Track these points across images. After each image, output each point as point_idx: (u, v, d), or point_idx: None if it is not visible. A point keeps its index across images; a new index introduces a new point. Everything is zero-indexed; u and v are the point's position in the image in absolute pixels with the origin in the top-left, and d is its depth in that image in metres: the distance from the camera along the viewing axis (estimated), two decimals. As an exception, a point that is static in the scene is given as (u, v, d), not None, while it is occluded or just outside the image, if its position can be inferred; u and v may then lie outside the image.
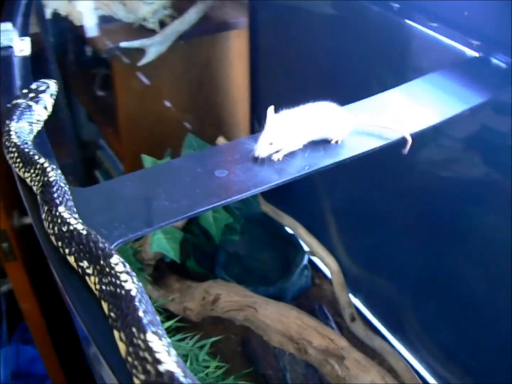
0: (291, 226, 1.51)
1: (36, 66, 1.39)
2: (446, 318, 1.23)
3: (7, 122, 0.64)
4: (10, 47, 0.84)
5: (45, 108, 0.68)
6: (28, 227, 1.43)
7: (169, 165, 0.61)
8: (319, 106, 0.65)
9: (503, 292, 1.03)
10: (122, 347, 0.39)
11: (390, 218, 1.32)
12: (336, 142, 0.65)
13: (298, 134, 0.62)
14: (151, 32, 1.47)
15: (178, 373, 0.35)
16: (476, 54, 0.85)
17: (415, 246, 1.26)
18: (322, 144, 0.64)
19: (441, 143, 1.10)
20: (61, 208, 0.50)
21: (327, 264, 1.45)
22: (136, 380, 0.37)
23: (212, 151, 0.63)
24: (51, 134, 0.69)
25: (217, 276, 1.42)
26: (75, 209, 0.51)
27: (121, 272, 0.43)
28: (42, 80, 0.71)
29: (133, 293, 0.41)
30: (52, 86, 0.71)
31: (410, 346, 1.34)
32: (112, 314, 0.42)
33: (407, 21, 0.97)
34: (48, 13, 1.47)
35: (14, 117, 0.64)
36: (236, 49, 1.61)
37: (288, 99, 0.71)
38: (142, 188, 0.56)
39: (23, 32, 0.91)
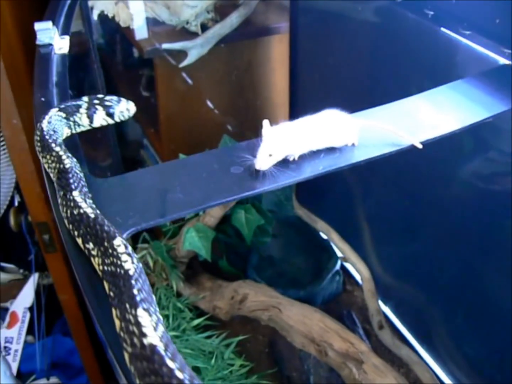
0: (324, 231, 1.52)
1: (80, 65, 1.45)
2: (475, 331, 1.22)
3: (51, 109, 0.64)
4: (50, 44, 0.88)
5: (91, 120, 0.66)
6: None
7: (188, 160, 0.63)
8: (322, 115, 0.66)
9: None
10: (117, 323, 0.42)
11: (423, 227, 1.31)
12: (353, 144, 0.65)
13: (297, 143, 0.62)
14: (193, 35, 1.50)
15: (160, 346, 0.36)
16: (507, 62, 0.85)
17: (447, 257, 1.25)
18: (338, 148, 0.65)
19: (476, 153, 1.09)
20: (75, 193, 0.53)
21: (358, 271, 1.45)
22: (125, 353, 0.39)
23: (231, 148, 0.65)
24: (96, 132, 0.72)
25: (249, 278, 1.43)
26: (89, 195, 0.54)
27: (122, 253, 0.45)
28: (121, 98, 0.68)
29: (131, 272, 0.43)
30: (121, 106, 0.67)
31: (437, 357, 1.33)
32: (111, 293, 0.44)
33: (441, 28, 0.97)
34: (95, 14, 1.52)
35: (60, 106, 0.65)
36: (277, 54, 1.63)
37: (327, 104, 0.72)
38: (159, 181, 0.58)
39: (64, 31, 0.95)
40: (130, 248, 0.46)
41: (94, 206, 0.52)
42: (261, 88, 1.69)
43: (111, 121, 0.66)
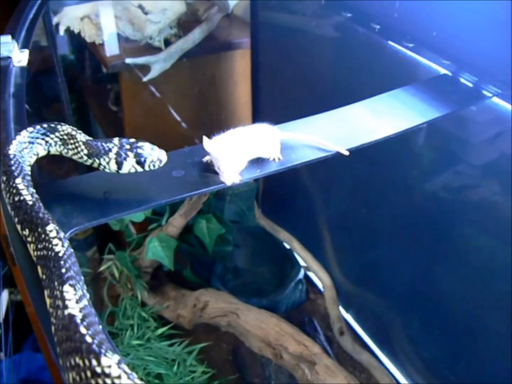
0: (287, 241, 1.55)
1: (44, 79, 1.47)
2: (430, 335, 1.26)
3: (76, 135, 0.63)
4: (9, 57, 0.90)
5: (119, 167, 0.61)
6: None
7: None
8: (252, 127, 0.70)
9: (487, 312, 1.06)
10: (48, 301, 0.45)
11: (382, 237, 1.35)
12: (276, 159, 0.69)
13: (244, 154, 0.66)
14: (156, 50, 1.54)
15: (78, 316, 0.40)
16: (447, 73, 0.89)
17: (405, 266, 1.29)
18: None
19: (432, 164, 1.13)
20: (18, 180, 0.55)
21: (320, 279, 1.48)
22: (52, 326, 0.43)
23: (173, 154, 0.67)
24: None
25: (213, 287, 1.46)
26: (32, 183, 0.56)
27: (54, 238, 0.48)
28: (154, 146, 0.63)
29: (60, 254, 0.46)
30: (154, 155, 0.61)
31: (396, 361, 1.36)
32: (43, 276, 0.47)
33: (388, 41, 1.02)
34: (61, 30, 1.55)
35: (88, 145, 0.62)
36: (240, 68, 1.67)
37: (287, 115, 0.76)
38: (103, 184, 0.61)
39: (24, 45, 0.97)
40: (62, 234, 0.49)
41: (36, 195, 0.54)
42: (225, 101, 1.72)
43: (140, 169, 0.61)
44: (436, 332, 1.24)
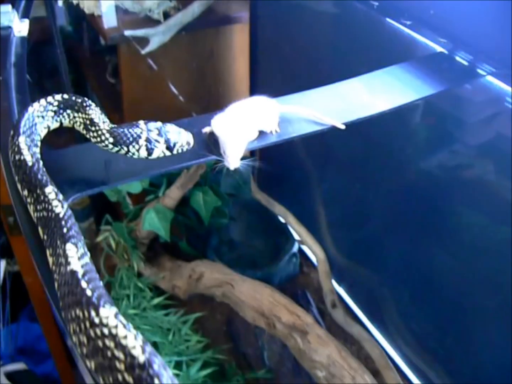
0: (282, 215, 1.57)
1: (43, 49, 1.48)
2: (420, 308, 1.29)
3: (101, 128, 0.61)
4: (10, 27, 0.92)
5: (149, 153, 0.61)
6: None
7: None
8: (249, 102, 0.71)
9: (475, 288, 1.09)
10: (50, 260, 0.47)
11: (375, 213, 1.38)
12: (274, 132, 0.70)
13: (248, 137, 0.68)
14: (155, 23, 1.55)
15: (79, 272, 0.42)
16: (443, 51, 0.91)
17: (397, 241, 1.32)
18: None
19: (424, 143, 1.15)
20: (21, 138, 0.56)
21: (314, 252, 1.50)
22: (55, 283, 0.45)
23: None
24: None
25: (209, 259, 1.48)
26: (38, 144, 0.58)
27: (53, 199, 0.50)
28: (180, 129, 0.63)
29: (60, 215, 0.48)
30: (182, 139, 0.62)
31: (387, 334, 1.40)
32: (45, 237, 0.49)
33: (386, 18, 1.03)
34: (59, 1, 1.56)
35: (114, 133, 0.60)
36: (238, 42, 1.68)
37: (284, 89, 0.78)
38: (105, 153, 0.62)
39: (24, 15, 0.98)
40: (61, 196, 0.51)
41: (38, 155, 0.56)
42: (223, 75, 1.73)
43: (168, 154, 0.61)
44: (425, 306, 1.27)
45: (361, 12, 1.10)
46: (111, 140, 0.60)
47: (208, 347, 1.31)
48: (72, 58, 1.78)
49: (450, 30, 0.90)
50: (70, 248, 0.44)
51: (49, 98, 0.61)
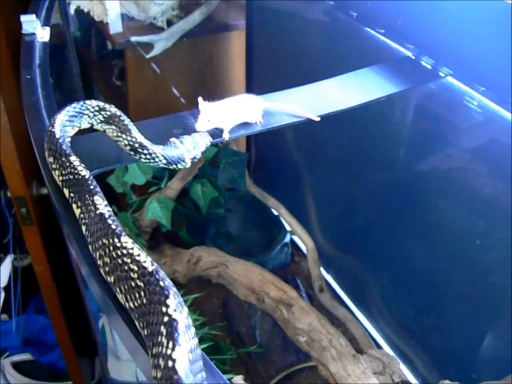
0: (275, 207, 1.69)
1: (58, 53, 1.61)
2: (398, 291, 1.40)
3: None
4: (34, 33, 1.04)
5: (192, 163, 0.73)
6: (45, 197, 1.62)
7: (141, 124, 0.79)
8: (239, 97, 0.84)
9: (451, 275, 1.20)
10: (77, 212, 0.59)
11: (360, 206, 1.50)
12: (258, 122, 0.83)
13: (228, 116, 0.81)
14: (159, 30, 1.68)
15: (106, 214, 0.55)
16: (410, 55, 1.04)
17: (380, 232, 1.44)
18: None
19: (412, 138, 1.27)
20: (58, 116, 0.67)
21: (304, 242, 1.62)
22: (83, 227, 0.57)
23: (174, 116, 0.83)
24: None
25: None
26: (74, 124, 0.70)
27: (78, 165, 0.62)
28: (200, 134, 0.77)
29: (86, 176, 0.61)
30: (206, 144, 0.76)
31: (370, 315, 1.51)
32: (71, 194, 0.61)
33: (364, 28, 1.16)
34: (72, 9, 1.69)
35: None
36: (236, 48, 1.81)
37: (277, 91, 0.90)
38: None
39: (45, 23, 1.11)
40: (84, 166, 0.63)
41: (67, 132, 0.68)
42: (221, 79, 1.86)
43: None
44: (404, 290, 1.38)
45: (343, 21, 1.23)
46: (164, 162, 0.70)
47: (205, 325, 1.43)
48: (80, 61, 1.90)
49: (415, 38, 1.03)
50: (98, 199, 0.56)
51: (89, 102, 0.71)
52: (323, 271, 1.60)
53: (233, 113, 0.80)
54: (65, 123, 0.68)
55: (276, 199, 1.68)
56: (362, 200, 1.47)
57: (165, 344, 0.41)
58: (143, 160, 0.70)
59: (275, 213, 1.71)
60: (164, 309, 0.44)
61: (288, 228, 1.69)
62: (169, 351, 0.41)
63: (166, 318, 0.43)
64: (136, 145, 0.69)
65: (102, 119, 0.71)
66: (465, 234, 1.14)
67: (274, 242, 1.67)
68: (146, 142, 0.69)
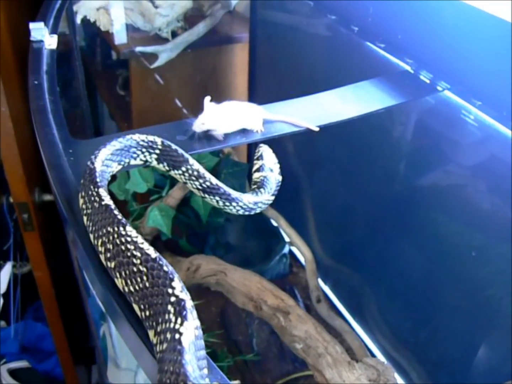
0: (274, 218, 1.70)
1: (64, 61, 1.63)
2: (394, 303, 1.42)
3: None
4: (42, 41, 1.07)
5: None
6: (47, 204, 1.64)
7: (145, 130, 0.81)
8: (242, 103, 0.86)
9: (447, 289, 1.22)
10: (80, 202, 0.61)
11: (358, 219, 1.51)
12: (259, 131, 0.85)
13: (225, 121, 0.83)
14: (164, 40, 1.71)
15: (111, 205, 0.56)
16: (409, 69, 1.06)
17: (377, 244, 1.45)
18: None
19: (413, 155, 1.29)
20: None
21: (302, 253, 1.63)
22: (84, 217, 0.59)
23: (178, 123, 0.85)
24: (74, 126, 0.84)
25: (206, 256, 1.61)
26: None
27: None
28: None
29: (97, 169, 0.62)
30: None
31: (366, 327, 1.53)
32: (82, 180, 0.62)
33: (365, 42, 1.18)
34: (78, 18, 1.71)
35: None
36: (239, 60, 1.84)
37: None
38: (122, 142, 0.77)
39: (53, 31, 1.14)
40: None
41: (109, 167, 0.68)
42: (224, 89, 1.89)
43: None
44: (400, 303, 1.40)
45: (345, 35, 1.26)
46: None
47: (203, 333, 1.44)
48: (84, 70, 1.93)
49: (414, 53, 1.05)
50: (103, 191, 0.58)
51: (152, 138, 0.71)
52: (320, 282, 1.61)
53: (233, 118, 0.82)
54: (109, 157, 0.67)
55: (276, 210, 1.69)
56: (361, 213, 1.49)
57: (173, 320, 0.44)
58: (220, 207, 0.73)
59: (275, 224, 1.72)
60: (170, 290, 0.47)
61: (287, 239, 1.70)
62: (177, 326, 0.44)
63: (173, 298, 0.46)
64: (210, 186, 0.71)
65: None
66: (462, 247, 1.15)
67: (273, 252, 1.69)
68: (226, 188, 0.71)
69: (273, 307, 1.16)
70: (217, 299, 1.60)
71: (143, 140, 0.69)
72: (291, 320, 1.11)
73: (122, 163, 0.69)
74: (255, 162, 0.79)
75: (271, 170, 0.79)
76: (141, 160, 0.71)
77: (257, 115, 0.85)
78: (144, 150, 0.70)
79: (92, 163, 0.62)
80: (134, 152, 0.69)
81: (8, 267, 2.12)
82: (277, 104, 0.92)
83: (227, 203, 0.71)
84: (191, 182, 0.71)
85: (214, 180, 0.70)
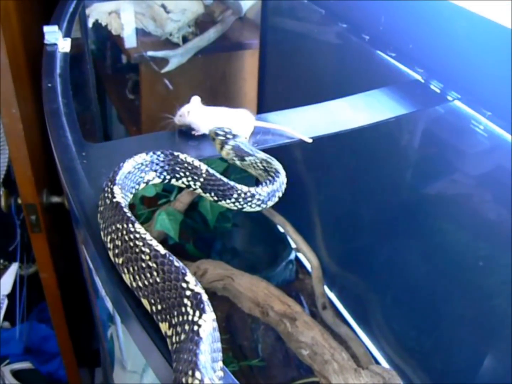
0: (281, 224, 1.70)
1: (75, 64, 1.64)
2: (400, 311, 1.42)
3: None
4: (55, 44, 1.08)
5: None
6: (54, 206, 1.64)
7: (157, 135, 0.83)
8: (234, 110, 0.87)
9: (452, 297, 1.22)
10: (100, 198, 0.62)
11: (366, 226, 1.51)
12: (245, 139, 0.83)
13: (207, 122, 0.84)
14: (175, 45, 1.72)
15: (122, 203, 0.57)
16: (420, 78, 1.07)
17: (383, 252, 1.45)
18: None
19: (421, 164, 1.29)
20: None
21: (309, 259, 1.63)
22: (99, 215, 0.60)
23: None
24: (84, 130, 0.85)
25: (213, 261, 1.62)
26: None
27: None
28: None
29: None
30: None
31: (371, 334, 1.53)
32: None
33: (376, 51, 1.19)
34: (90, 22, 1.72)
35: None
36: (249, 66, 1.84)
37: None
38: (133, 147, 0.78)
39: (66, 34, 1.15)
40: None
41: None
42: (233, 95, 1.90)
43: None
44: (405, 310, 1.40)
45: (356, 44, 1.26)
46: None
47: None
48: (95, 73, 1.94)
49: (425, 62, 1.06)
50: (116, 189, 0.59)
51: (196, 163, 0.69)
52: (326, 289, 1.61)
53: (216, 121, 0.83)
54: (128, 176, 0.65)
55: (283, 216, 1.69)
56: (367, 220, 1.49)
57: (191, 313, 0.45)
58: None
59: (281, 230, 1.72)
60: (184, 284, 0.47)
61: (293, 245, 1.70)
62: (195, 318, 0.44)
63: (188, 292, 0.46)
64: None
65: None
66: (469, 257, 1.15)
67: (279, 258, 1.69)
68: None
69: (280, 313, 1.16)
70: (223, 304, 1.60)
71: (188, 163, 0.69)
72: (298, 326, 1.11)
73: (162, 177, 0.69)
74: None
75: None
76: (183, 183, 0.70)
77: (246, 122, 0.85)
78: (188, 173, 0.69)
79: (122, 163, 0.63)
80: (178, 172, 0.69)
81: (14, 268, 2.12)
82: (288, 112, 0.92)
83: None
84: (248, 205, 0.70)
85: (264, 190, 0.70)
